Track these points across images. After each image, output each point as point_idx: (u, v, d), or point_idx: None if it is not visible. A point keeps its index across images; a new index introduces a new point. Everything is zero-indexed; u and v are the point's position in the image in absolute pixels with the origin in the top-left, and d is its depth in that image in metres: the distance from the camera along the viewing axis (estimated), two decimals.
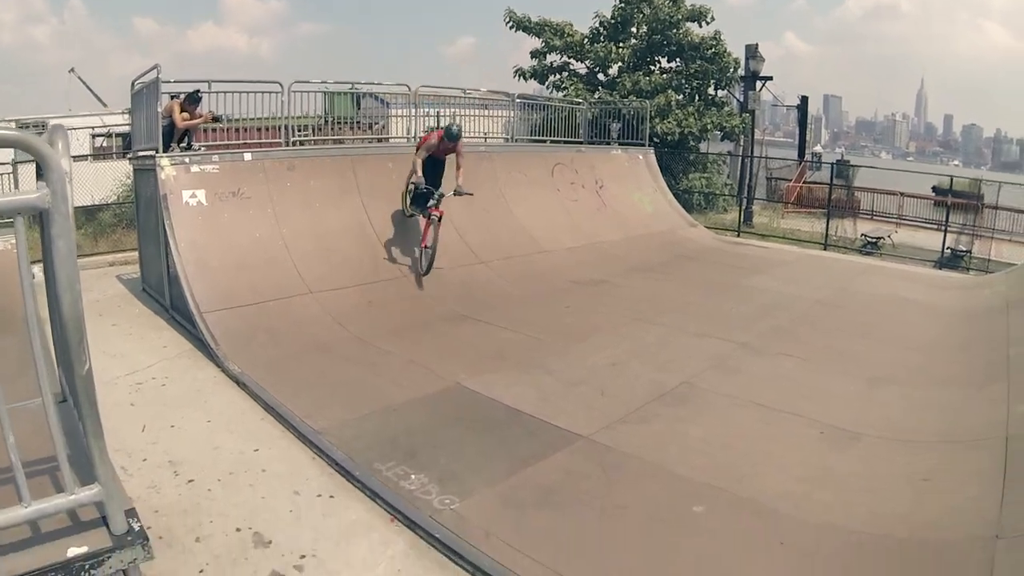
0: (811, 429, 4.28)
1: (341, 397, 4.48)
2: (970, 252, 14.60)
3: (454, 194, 7.15)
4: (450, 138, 7.09)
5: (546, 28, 19.33)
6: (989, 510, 3.25)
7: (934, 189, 21.25)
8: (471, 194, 7.38)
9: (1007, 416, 4.32)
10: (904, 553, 3.07)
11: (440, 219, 7.02)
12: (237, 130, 7.86)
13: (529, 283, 7.37)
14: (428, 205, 7.09)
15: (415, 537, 3.10)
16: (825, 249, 13.50)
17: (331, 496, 3.42)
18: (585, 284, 7.55)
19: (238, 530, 3.11)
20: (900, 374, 5.35)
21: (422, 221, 7.29)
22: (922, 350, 5.95)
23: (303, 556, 2.94)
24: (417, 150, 7.25)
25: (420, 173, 7.05)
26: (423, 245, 7.12)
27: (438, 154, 7.27)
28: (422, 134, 8.11)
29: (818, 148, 35.03)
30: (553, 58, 19.69)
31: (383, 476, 3.53)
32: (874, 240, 15.10)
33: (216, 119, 7.63)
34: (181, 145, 7.36)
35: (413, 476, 3.53)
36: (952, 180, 21.25)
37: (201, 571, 2.84)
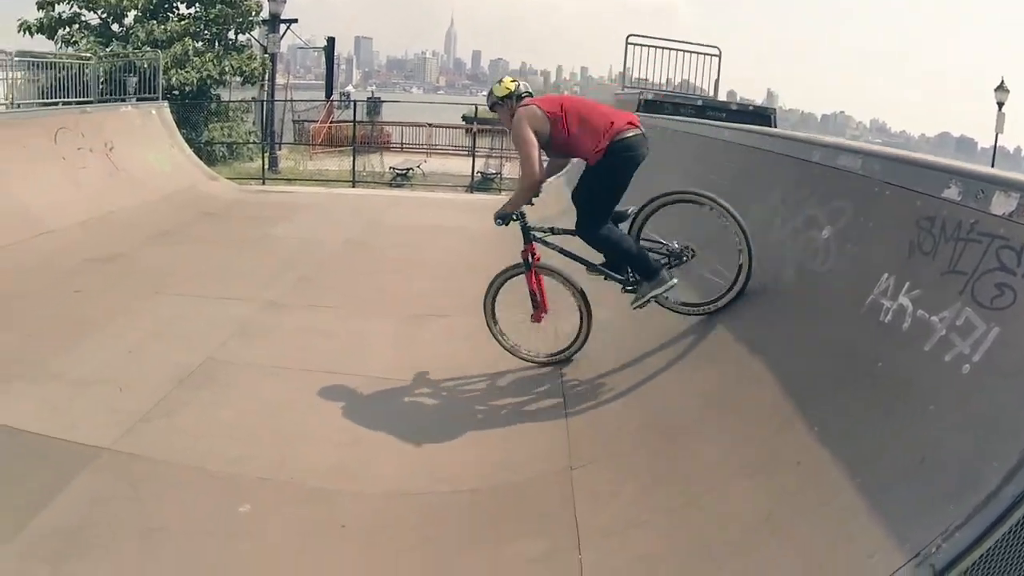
0: (351, 387, 4.12)
1: None
2: (499, 174, 16.90)
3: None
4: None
5: None
6: (558, 444, 3.45)
7: (464, 118, 23.93)
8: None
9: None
10: (478, 502, 3.10)
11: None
12: None
13: (27, 274, 5.83)
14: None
15: None
16: (354, 186, 13.84)
17: None
18: (100, 261, 6.49)
19: None
20: (441, 305, 5.44)
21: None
22: (458, 276, 6.15)
23: None
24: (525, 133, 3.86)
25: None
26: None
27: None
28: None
29: (349, 88, 36.61)
30: (63, 8, 16.65)
31: None
32: (404, 172, 16.24)
33: None
34: None
35: None
36: (476, 109, 23.99)
37: None
